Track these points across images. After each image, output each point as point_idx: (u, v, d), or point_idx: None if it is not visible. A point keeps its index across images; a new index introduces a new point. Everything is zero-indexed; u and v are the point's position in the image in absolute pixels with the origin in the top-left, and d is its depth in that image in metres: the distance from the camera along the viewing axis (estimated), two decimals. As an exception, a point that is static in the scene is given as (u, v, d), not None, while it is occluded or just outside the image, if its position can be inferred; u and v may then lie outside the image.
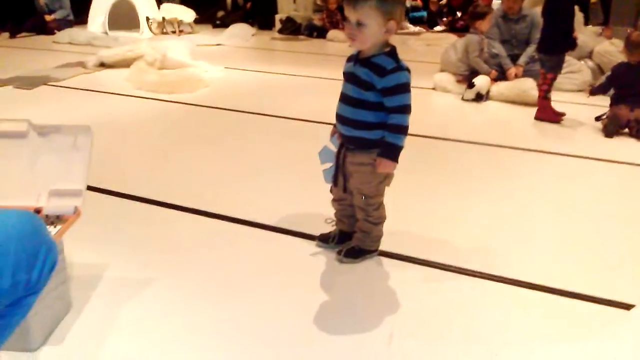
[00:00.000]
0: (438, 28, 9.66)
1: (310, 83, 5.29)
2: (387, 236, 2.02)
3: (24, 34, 8.27)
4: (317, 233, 2.12)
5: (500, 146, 3.39)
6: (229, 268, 1.95)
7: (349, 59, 1.88)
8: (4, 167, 1.65)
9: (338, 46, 7.56)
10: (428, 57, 6.30)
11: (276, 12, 9.77)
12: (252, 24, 9.34)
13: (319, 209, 2.27)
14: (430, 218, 2.38)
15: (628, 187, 2.86)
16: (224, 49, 7.41)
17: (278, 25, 9.26)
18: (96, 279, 1.83)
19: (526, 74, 4.67)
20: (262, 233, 2.21)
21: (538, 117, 3.99)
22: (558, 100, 4.09)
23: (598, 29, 6.40)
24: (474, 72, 4.74)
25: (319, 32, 8.81)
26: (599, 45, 5.24)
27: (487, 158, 3.24)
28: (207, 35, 8.24)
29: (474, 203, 2.55)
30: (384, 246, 2.03)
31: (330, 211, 2.10)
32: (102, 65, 5.61)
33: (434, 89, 4.91)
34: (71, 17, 8.86)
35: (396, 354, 1.54)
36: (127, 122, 3.79)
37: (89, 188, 1.75)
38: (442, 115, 4.30)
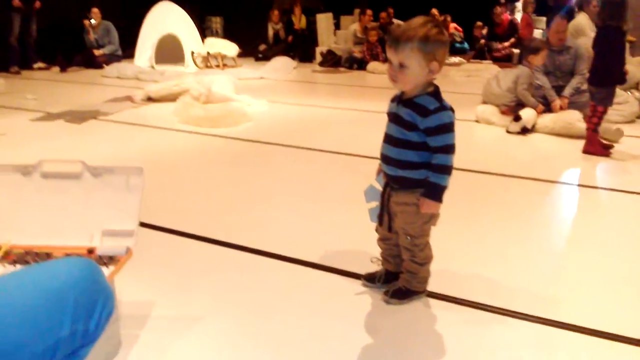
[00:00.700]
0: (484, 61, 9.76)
1: (352, 116, 5.31)
2: (435, 276, 1.99)
3: (73, 67, 8.59)
4: (363, 272, 2.10)
5: (549, 181, 3.32)
6: (276, 307, 1.94)
7: (393, 99, 1.87)
8: (58, 206, 1.70)
9: (378, 78, 7.61)
10: (469, 88, 6.28)
11: (317, 45, 9.95)
12: (293, 57, 9.53)
13: (366, 248, 2.25)
14: (476, 256, 2.32)
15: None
16: (266, 82, 7.54)
17: (319, 58, 9.41)
18: (144, 317, 1.85)
19: (571, 106, 4.59)
20: (309, 271, 2.20)
21: (586, 151, 3.90)
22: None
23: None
24: (520, 105, 4.67)
25: (359, 64, 8.90)
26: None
27: (534, 192, 3.17)
28: (249, 69, 8.43)
29: (522, 242, 2.49)
30: (431, 287, 1.99)
31: (376, 250, 2.08)
32: (150, 99, 5.78)
33: (477, 121, 4.87)
34: (119, 52, 9.18)
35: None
36: (174, 157, 3.86)
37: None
38: (486, 148, 4.25)
